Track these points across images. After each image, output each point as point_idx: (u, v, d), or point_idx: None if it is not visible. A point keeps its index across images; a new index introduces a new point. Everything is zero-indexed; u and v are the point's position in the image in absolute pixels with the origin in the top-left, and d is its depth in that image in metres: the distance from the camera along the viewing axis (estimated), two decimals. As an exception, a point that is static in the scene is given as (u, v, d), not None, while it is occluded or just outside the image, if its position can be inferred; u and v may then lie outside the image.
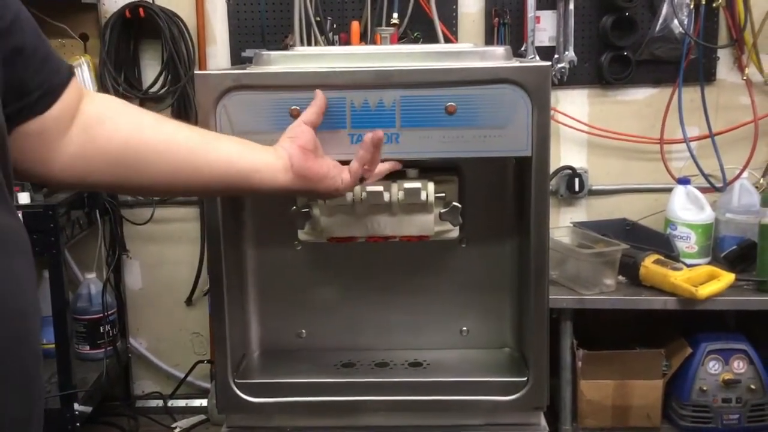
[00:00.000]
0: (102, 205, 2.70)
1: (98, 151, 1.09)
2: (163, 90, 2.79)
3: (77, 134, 1.07)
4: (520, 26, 2.73)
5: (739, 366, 2.47)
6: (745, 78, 2.76)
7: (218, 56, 2.83)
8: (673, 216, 2.63)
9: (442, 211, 1.56)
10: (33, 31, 0.99)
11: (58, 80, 1.03)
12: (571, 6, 2.70)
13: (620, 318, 2.61)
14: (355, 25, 2.66)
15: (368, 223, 1.56)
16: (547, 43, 2.76)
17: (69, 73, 1.06)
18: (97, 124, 1.09)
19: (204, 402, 2.99)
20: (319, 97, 1.37)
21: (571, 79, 2.77)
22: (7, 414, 0.85)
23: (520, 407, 1.60)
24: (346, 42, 2.69)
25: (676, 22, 2.66)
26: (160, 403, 3.05)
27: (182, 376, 3.02)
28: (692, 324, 2.57)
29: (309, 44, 2.68)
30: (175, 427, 2.91)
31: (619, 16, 2.72)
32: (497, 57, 1.52)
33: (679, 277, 2.34)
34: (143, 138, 1.13)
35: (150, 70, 2.84)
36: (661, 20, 2.70)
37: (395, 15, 2.67)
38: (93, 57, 2.76)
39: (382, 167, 1.41)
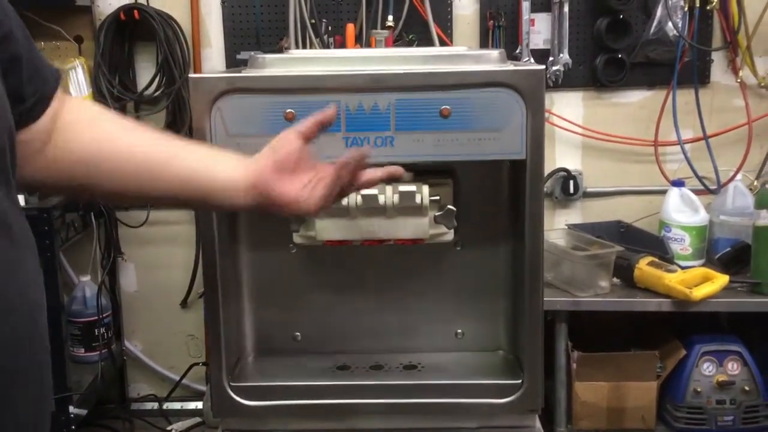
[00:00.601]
0: (97, 208, 2.70)
1: (62, 158, 1.09)
2: (158, 92, 2.78)
3: (52, 140, 1.08)
4: (515, 28, 2.74)
5: (733, 368, 2.47)
6: (739, 80, 2.76)
7: (213, 59, 2.83)
8: (667, 218, 2.63)
9: (437, 214, 1.56)
10: (26, 38, 1.00)
11: (49, 87, 1.04)
12: (566, 8, 2.70)
13: (615, 320, 2.62)
14: (351, 28, 2.66)
15: (363, 226, 1.56)
16: (541, 46, 2.77)
17: (57, 79, 1.06)
18: (65, 130, 1.09)
19: (199, 404, 2.98)
20: (329, 112, 1.22)
21: (566, 82, 2.77)
22: (23, 407, 0.88)
23: (515, 410, 1.60)
24: (342, 44, 2.68)
25: (670, 24, 2.67)
26: (156, 405, 3.05)
27: (177, 378, 3.02)
28: (686, 326, 2.57)
29: (304, 47, 2.67)
30: (171, 430, 2.91)
31: (613, 19, 2.73)
32: (492, 60, 1.53)
33: (674, 279, 2.34)
34: (104, 147, 1.11)
35: (145, 72, 2.83)
36: (655, 23, 2.71)
37: (390, 17, 2.67)
38: (87, 59, 2.76)
39: (374, 175, 1.25)
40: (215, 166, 1.18)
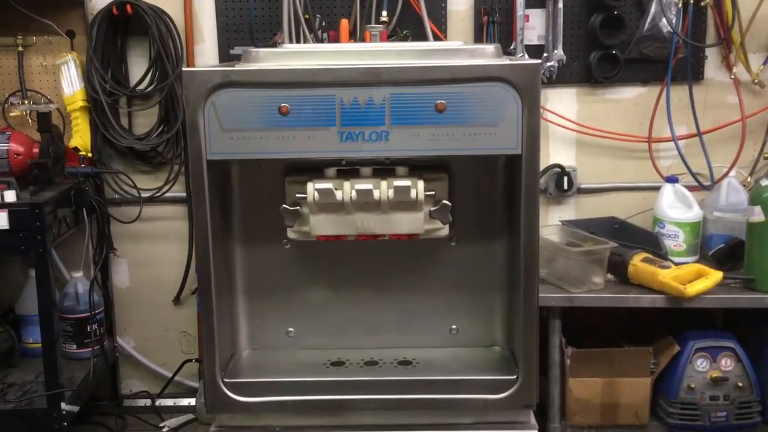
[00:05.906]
0: (89, 204, 2.68)
1: None
2: (151, 87, 2.77)
3: None
4: (509, 24, 2.73)
5: (726, 364, 2.47)
6: (732, 77, 2.77)
7: (206, 54, 2.82)
8: (661, 214, 2.63)
9: (432, 209, 1.56)
10: None
11: None
12: (560, 4, 2.70)
13: (609, 316, 2.62)
14: (344, 23, 2.65)
15: (358, 221, 1.55)
16: (536, 42, 2.76)
17: None
18: None
19: (192, 401, 2.98)
20: None
21: (560, 78, 2.77)
22: None
23: (510, 405, 1.60)
24: (335, 39, 2.68)
25: (664, 21, 2.67)
26: (148, 402, 3.04)
27: (170, 375, 3.01)
28: (680, 322, 2.57)
29: (298, 42, 2.67)
30: (163, 427, 2.90)
31: (607, 15, 2.73)
32: (487, 55, 1.52)
33: (668, 276, 2.34)
34: None
35: (137, 67, 2.82)
36: (649, 19, 2.71)
37: (384, 13, 2.66)
38: (80, 54, 2.74)
39: None
40: None
